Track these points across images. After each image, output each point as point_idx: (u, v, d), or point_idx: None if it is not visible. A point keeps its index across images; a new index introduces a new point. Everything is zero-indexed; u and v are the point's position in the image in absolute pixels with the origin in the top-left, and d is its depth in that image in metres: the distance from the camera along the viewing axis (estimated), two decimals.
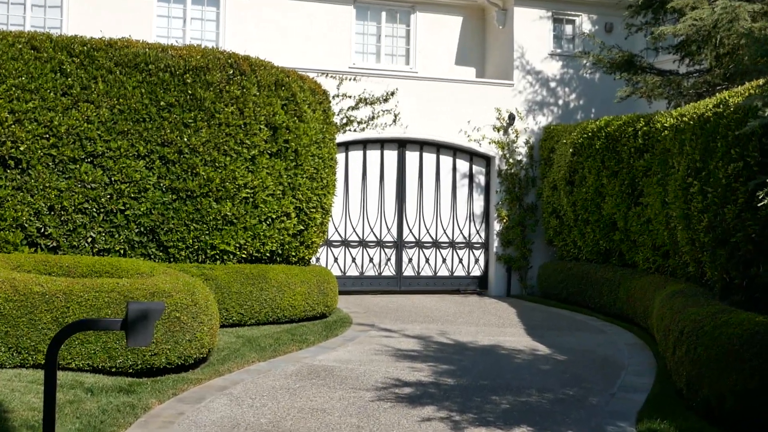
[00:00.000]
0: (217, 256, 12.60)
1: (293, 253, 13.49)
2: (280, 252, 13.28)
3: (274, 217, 13.00)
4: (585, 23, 19.19)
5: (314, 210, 13.63)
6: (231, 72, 12.72)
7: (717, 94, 12.26)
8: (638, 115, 14.98)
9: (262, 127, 12.86)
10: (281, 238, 13.15)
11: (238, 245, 12.70)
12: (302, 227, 13.47)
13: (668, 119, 13.19)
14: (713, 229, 10.66)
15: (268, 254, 13.10)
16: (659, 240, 13.70)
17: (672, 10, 15.50)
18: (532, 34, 18.85)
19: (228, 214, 12.52)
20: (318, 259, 17.16)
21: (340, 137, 17.10)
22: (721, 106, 10.94)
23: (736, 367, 7.81)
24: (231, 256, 12.71)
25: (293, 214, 13.26)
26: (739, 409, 7.70)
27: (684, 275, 12.63)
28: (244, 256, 12.84)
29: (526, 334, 12.96)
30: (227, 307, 12.08)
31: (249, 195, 12.71)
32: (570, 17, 19.17)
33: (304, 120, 13.39)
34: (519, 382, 9.58)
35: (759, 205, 8.21)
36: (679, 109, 13.17)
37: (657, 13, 16.36)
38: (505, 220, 18.43)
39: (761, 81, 9.75)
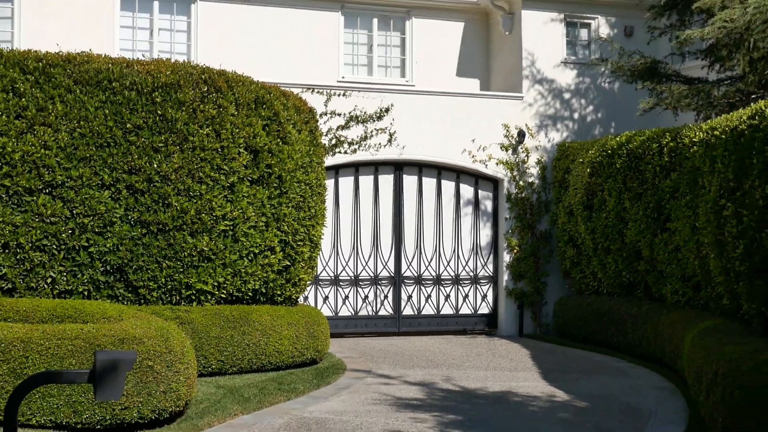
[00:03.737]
0: (194, 297, 12.56)
1: (279, 292, 13.46)
2: (264, 291, 13.25)
3: (256, 251, 12.96)
4: (602, 27, 19.29)
5: (301, 243, 13.59)
6: (205, 89, 12.74)
7: (752, 104, 12.34)
8: (664, 130, 15.02)
9: (241, 150, 12.86)
10: (265, 275, 13.12)
11: (216, 284, 12.66)
12: (288, 263, 13.44)
13: (697, 133, 13.20)
14: (750, 257, 10.71)
15: (250, 294, 13.07)
16: (689, 270, 13.69)
17: (699, 11, 15.61)
18: (543, 40, 18.94)
19: (205, 249, 12.50)
20: (306, 299, 17.15)
21: (329, 160, 17.14)
22: (756, 117, 11.00)
23: None
24: (209, 297, 12.67)
25: (278, 249, 13.22)
26: None
27: (718, 309, 12.64)
28: (223, 296, 12.80)
29: (541, 379, 12.89)
30: (206, 354, 12.02)
31: (228, 227, 12.70)
32: (585, 20, 19.28)
33: (289, 142, 13.39)
34: None
35: None
36: (709, 121, 13.21)
37: (682, 15, 16.50)
38: (515, 251, 18.40)
39: None
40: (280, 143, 13.27)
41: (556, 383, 12.51)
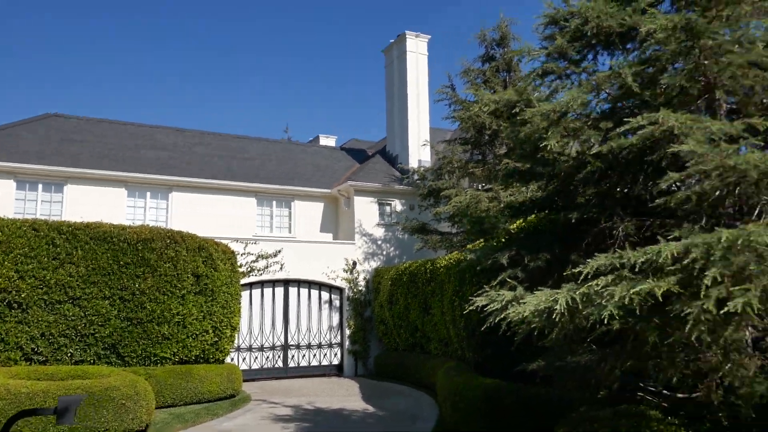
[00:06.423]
0: (158, 361, 12.00)
1: (211, 357, 12.90)
2: (202, 356, 12.72)
3: (197, 333, 12.52)
4: (397, 205, 19.55)
5: (225, 328, 13.12)
6: (168, 241, 12.43)
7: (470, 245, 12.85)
8: (427, 260, 15.30)
9: (189, 275, 12.52)
10: (202, 347, 12.64)
11: (173, 353, 12.15)
12: (217, 339, 12.96)
13: (443, 262, 13.60)
14: (467, 328, 11.02)
15: (193, 358, 12.53)
16: (442, 335, 13.85)
17: (444, 197, 16.40)
18: (366, 212, 19.08)
19: (166, 333, 12.02)
20: (232, 359, 16.39)
21: (246, 280, 16.61)
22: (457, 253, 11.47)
23: (476, 413, 8.01)
24: (168, 360, 12.11)
25: (210, 331, 12.78)
26: None
27: (456, 357, 12.81)
28: (176, 359, 12.26)
29: (362, 400, 12.69)
30: (164, 395, 11.43)
31: (180, 320, 12.26)
32: (388, 201, 19.50)
33: (218, 270, 13.05)
34: (354, 430, 9.42)
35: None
36: (448, 256, 13.68)
37: (436, 199, 17.27)
38: (352, 328, 18.07)
39: (481, 241, 10.33)
40: (213, 271, 12.95)
41: (371, 403, 12.34)
